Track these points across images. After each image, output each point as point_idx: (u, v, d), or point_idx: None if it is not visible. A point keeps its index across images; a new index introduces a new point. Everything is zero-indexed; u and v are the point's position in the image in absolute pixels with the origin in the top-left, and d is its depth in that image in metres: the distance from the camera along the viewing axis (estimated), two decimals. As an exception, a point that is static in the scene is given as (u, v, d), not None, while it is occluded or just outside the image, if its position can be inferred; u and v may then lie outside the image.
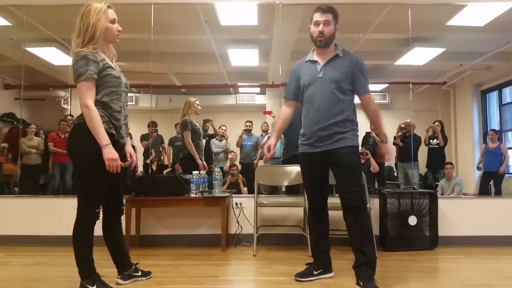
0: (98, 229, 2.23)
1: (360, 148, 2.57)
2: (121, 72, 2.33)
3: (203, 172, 3.81)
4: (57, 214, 3.64)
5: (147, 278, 2.53)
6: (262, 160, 5.32)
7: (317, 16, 2.39)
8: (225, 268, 3.00)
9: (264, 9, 4.49)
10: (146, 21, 4.19)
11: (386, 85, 7.00)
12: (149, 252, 3.38)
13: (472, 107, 6.86)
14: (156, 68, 4.87)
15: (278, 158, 4.14)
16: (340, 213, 2.42)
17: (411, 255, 3.31)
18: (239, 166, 5.66)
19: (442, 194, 5.11)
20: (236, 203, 3.76)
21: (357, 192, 2.37)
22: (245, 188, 4.92)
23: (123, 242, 2.48)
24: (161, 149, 5.86)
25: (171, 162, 5.78)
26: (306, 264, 2.63)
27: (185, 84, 6.92)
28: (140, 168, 5.28)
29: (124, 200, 2.47)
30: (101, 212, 2.24)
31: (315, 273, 2.53)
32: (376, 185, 5.16)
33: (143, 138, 5.64)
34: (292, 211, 3.76)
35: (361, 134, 2.52)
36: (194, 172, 3.58)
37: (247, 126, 6.04)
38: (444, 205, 3.70)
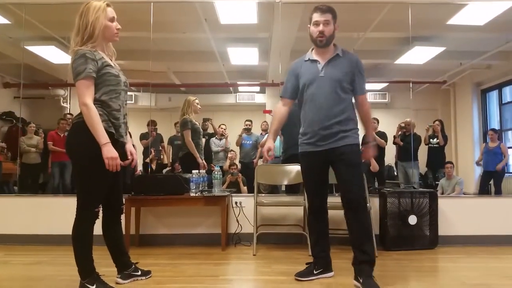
0: (97, 228, 2.22)
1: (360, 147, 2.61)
2: (120, 70, 2.32)
3: (202, 171, 3.81)
4: (57, 213, 3.63)
5: (146, 277, 2.53)
6: (261, 159, 5.33)
7: (317, 16, 2.40)
8: (225, 268, 2.99)
9: (264, 7, 4.48)
10: (146, 19, 4.18)
11: (386, 84, 7.00)
12: (149, 251, 3.38)
13: (472, 106, 6.86)
14: (156, 66, 4.87)
15: (278, 157, 4.14)
16: (339, 213, 2.42)
17: (411, 255, 3.31)
18: (239, 165, 5.66)
19: (443, 194, 5.11)
20: (236, 202, 3.76)
21: (359, 189, 2.39)
22: (245, 187, 4.92)
23: (122, 241, 2.47)
24: (160, 148, 5.86)
25: (171, 161, 5.78)
26: (306, 264, 2.63)
27: (184, 83, 6.92)
28: (140, 167, 5.28)
29: (123, 199, 2.46)
30: (100, 211, 2.23)
31: (315, 272, 2.53)
32: (376, 184, 5.16)
33: (143, 137, 5.63)
34: (292, 210, 3.76)
35: (361, 134, 2.53)
36: (193, 171, 3.57)
37: (246, 125, 6.04)
38: (444, 205, 3.70)
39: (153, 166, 5.61)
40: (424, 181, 5.81)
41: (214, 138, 5.81)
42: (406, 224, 3.50)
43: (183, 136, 4.15)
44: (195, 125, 4.18)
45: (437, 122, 5.77)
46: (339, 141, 2.38)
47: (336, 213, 2.90)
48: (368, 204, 3.05)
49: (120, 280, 2.41)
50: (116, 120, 2.20)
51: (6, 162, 5.46)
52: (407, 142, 5.39)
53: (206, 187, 3.66)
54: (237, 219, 3.72)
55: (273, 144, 2.58)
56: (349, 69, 2.43)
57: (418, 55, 5.62)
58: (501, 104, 6.69)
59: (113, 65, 2.25)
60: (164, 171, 5.71)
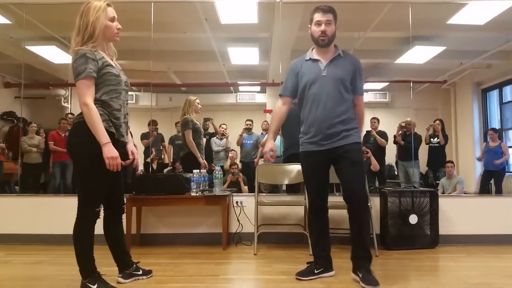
0: (99, 228, 2.23)
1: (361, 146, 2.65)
2: (121, 70, 2.32)
3: (203, 170, 3.81)
4: (58, 213, 3.64)
5: (147, 276, 2.53)
6: (262, 159, 5.33)
7: (319, 16, 2.44)
8: (226, 267, 3.00)
9: (264, 7, 4.48)
10: (146, 19, 4.18)
11: (387, 83, 7.01)
12: (150, 251, 3.38)
13: (473, 105, 6.86)
14: (156, 66, 4.88)
15: (279, 156, 4.14)
16: (340, 212, 2.43)
17: (412, 254, 3.31)
18: (240, 165, 5.66)
19: (443, 193, 5.11)
20: (237, 202, 3.76)
21: (362, 188, 2.43)
22: (246, 187, 4.92)
23: (124, 240, 2.48)
24: (161, 147, 5.87)
25: (172, 160, 5.79)
26: (307, 263, 2.63)
27: (185, 83, 6.93)
28: (141, 167, 5.29)
29: (124, 199, 2.47)
30: (101, 211, 2.24)
31: (316, 272, 2.53)
32: (377, 183, 5.17)
33: (144, 136, 5.64)
34: (293, 209, 3.76)
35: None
36: (194, 170, 3.58)
37: (247, 124, 6.05)
38: (445, 204, 3.70)
39: (154, 166, 5.63)
40: (424, 181, 5.81)
41: (215, 137, 5.82)
42: (407, 224, 3.50)
43: (184, 136, 4.15)
44: (196, 124, 4.18)
45: (437, 122, 5.77)
46: (342, 140, 2.42)
47: (336, 213, 2.91)
48: (369, 204, 3.06)
49: (121, 280, 2.41)
50: (117, 119, 2.21)
51: (7, 162, 5.47)
52: (407, 142, 5.39)
53: (207, 187, 3.67)
54: (238, 219, 3.73)
55: (275, 145, 2.60)
56: (351, 68, 2.47)
57: (419, 55, 5.62)
58: (501, 104, 6.69)
59: (113, 64, 2.25)
60: (165, 170, 5.72)
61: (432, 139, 5.75)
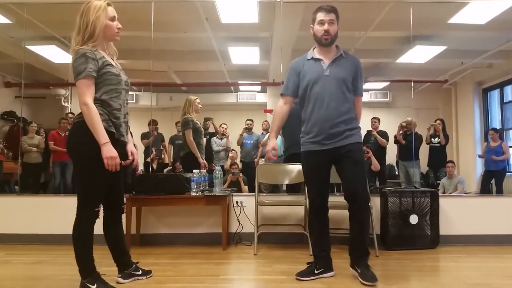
0: (98, 228, 2.22)
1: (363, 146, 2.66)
2: (121, 69, 2.31)
3: (203, 170, 3.80)
4: (58, 212, 3.64)
5: (147, 277, 2.53)
6: (263, 159, 5.32)
7: (322, 16, 2.46)
8: (226, 267, 2.99)
9: (265, 6, 4.48)
10: (147, 19, 4.18)
11: (387, 83, 6.99)
12: (150, 251, 3.37)
13: (474, 105, 6.85)
14: (157, 66, 4.87)
15: (279, 156, 4.13)
16: (340, 212, 2.42)
17: (412, 254, 3.30)
18: (240, 165, 5.66)
19: (444, 193, 5.10)
20: (237, 202, 3.75)
21: (363, 187, 2.45)
22: (246, 187, 4.91)
23: (123, 240, 2.47)
24: (161, 147, 5.86)
25: (172, 160, 5.79)
26: (307, 263, 2.62)
27: (185, 82, 6.92)
28: (141, 167, 5.28)
29: (124, 199, 2.46)
30: (101, 211, 2.23)
31: (316, 272, 2.52)
32: (377, 183, 5.16)
33: (144, 136, 5.63)
34: (293, 209, 3.75)
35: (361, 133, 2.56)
36: (194, 170, 3.57)
37: (247, 124, 6.04)
38: (446, 204, 3.69)
39: (154, 166, 5.62)
40: (425, 181, 5.80)
41: (215, 137, 5.81)
42: (407, 224, 3.49)
43: (184, 136, 4.15)
44: (196, 124, 4.18)
45: (438, 121, 5.76)
46: (345, 140, 2.43)
47: (336, 213, 2.90)
48: (369, 204, 3.05)
49: (120, 280, 2.40)
50: (117, 119, 2.20)
51: (7, 161, 5.47)
52: (408, 141, 5.38)
53: (207, 187, 3.66)
54: (238, 219, 3.72)
55: (276, 144, 2.62)
56: (352, 69, 2.50)
57: (419, 54, 5.62)
58: (502, 103, 6.68)
59: (114, 64, 2.25)
60: (165, 170, 5.72)
61: (433, 139, 5.74)
